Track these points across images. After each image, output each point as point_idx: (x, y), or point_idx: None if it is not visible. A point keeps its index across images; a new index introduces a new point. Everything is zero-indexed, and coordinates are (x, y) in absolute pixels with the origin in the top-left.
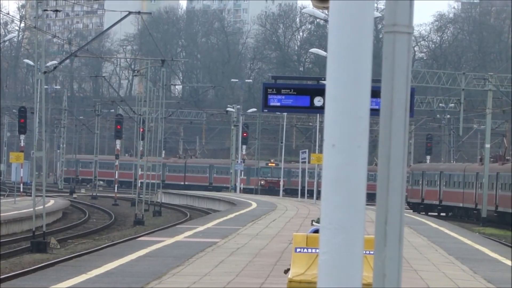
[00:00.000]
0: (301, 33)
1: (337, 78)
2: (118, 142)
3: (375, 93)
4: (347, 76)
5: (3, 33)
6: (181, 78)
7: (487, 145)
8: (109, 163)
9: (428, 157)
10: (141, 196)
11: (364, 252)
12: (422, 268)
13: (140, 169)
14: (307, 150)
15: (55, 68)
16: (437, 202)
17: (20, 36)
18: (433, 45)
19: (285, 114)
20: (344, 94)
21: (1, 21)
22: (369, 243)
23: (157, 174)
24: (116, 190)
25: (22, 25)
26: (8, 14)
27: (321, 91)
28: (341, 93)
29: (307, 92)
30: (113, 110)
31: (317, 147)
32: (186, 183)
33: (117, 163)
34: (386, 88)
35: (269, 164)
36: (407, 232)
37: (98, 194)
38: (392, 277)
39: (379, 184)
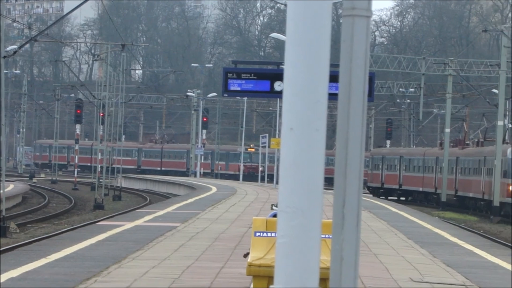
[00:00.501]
0: (261, 18)
1: (295, 62)
2: (78, 126)
3: (335, 77)
4: (305, 60)
5: None
6: (141, 63)
7: (447, 130)
8: (86, 149)
9: (388, 142)
10: (101, 180)
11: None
12: (382, 252)
13: (100, 154)
14: (267, 135)
15: (14, 52)
16: (397, 187)
17: None
18: (393, 30)
19: (245, 98)
20: (302, 78)
21: None
22: (327, 226)
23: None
24: (76, 175)
25: None
26: None
27: (281, 76)
28: (299, 77)
29: (267, 76)
30: (73, 95)
31: (277, 131)
32: (163, 168)
33: (77, 148)
34: (344, 72)
35: (249, 149)
36: (366, 216)
37: (58, 179)
38: (350, 260)
39: (337, 167)
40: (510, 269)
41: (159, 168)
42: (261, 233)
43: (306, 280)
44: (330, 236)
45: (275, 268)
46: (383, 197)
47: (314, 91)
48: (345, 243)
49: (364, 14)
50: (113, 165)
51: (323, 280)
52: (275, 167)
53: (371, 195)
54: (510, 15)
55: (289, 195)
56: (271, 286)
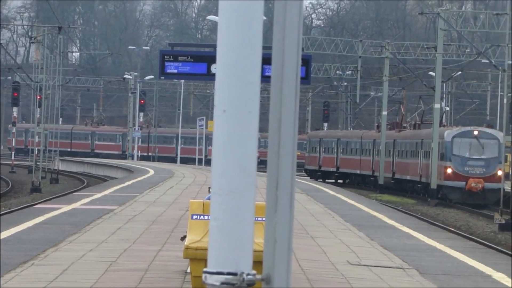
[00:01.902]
0: (198, 1)
1: (227, 44)
2: (15, 109)
3: (268, 60)
4: (238, 41)
5: None
6: (78, 45)
7: (384, 113)
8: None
9: (325, 124)
10: (38, 163)
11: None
12: (319, 235)
13: (37, 136)
14: (204, 117)
15: None
16: (334, 169)
17: None
18: (330, 13)
19: (182, 81)
20: (235, 60)
21: None
22: (261, 209)
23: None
24: (13, 158)
25: None
26: None
27: None
28: (232, 59)
29: (204, 59)
30: (10, 78)
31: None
32: (96, 151)
33: (14, 130)
34: (276, 54)
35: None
36: (304, 199)
37: None
38: (283, 243)
39: (270, 149)
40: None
41: (89, 151)
42: (198, 216)
43: (239, 264)
44: (264, 219)
45: (208, 251)
46: (321, 180)
47: (247, 73)
48: (279, 226)
49: None
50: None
51: (258, 263)
52: (212, 150)
53: (309, 177)
54: None
55: (222, 177)
56: (204, 269)
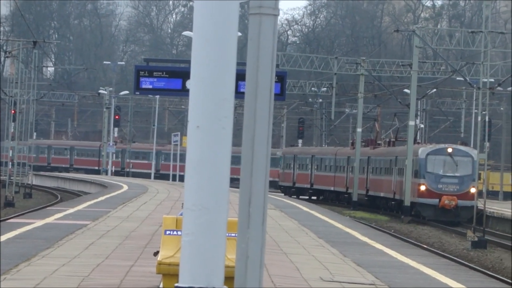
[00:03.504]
0: (174, 16)
1: (202, 60)
2: None
3: (243, 76)
4: (212, 57)
5: None
6: (53, 60)
7: (359, 129)
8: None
9: (300, 141)
10: (11, 177)
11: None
12: (292, 251)
13: (11, 151)
14: (179, 133)
15: None
16: (309, 186)
17: None
18: (306, 29)
19: (157, 96)
20: (209, 76)
21: None
22: (233, 225)
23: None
24: None
25: None
26: None
27: None
28: (206, 75)
29: (179, 75)
30: None
31: None
32: (75, 166)
33: None
34: (251, 70)
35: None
36: (278, 215)
37: None
38: (255, 258)
39: (243, 166)
40: None
41: (68, 166)
42: (171, 232)
43: (211, 279)
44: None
45: (180, 266)
46: (295, 196)
47: (221, 89)
48: (251, 242)
49: (271, 12)
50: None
51: (230, 279)
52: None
53: (283, 194)
54: (422, 15)
55: (195, 193)
56: (176, 284)
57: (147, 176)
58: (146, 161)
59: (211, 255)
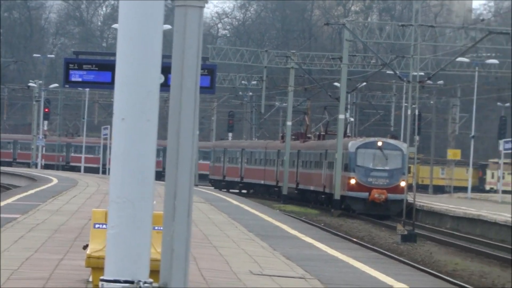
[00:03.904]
0: (104, 9)
1: (127, 53)
2: None
3: (168, 68)
4: (137, 50)
5: None
6: None
7: (289, 123)
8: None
9: (230, 134)
10: None
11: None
12: (222, 245)
13: None
14: (109, 126)
15: None
16: (239, 179)
17: None
18: (236, 22)
19: (87, 89)
20: (134, 69)
21: None
22: (159, 218)
23: None
24: None
25: None
26: None
27: None
28: (131, 68)
29: (108, 68)
30: None
31: None
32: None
33: None
34: (176, 62)
35: None
36: (207, 209)
37: None
38: (180, 251)
39: (169, 159)
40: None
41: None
42: (100, 225)
43: (136, 272)
44: (161, 228)
45: (106, 259)
46: (225, 190)
47: (146, 82)
48: (176, 235)
49: (197, 4)
50: None
51: (155, 272)
52: None
53: (213, 187)
54: (352, 8)
55: (120, 186)
56: (101, 277)
57: (95, 170)
58: (92, 155)
59: (136, 248)
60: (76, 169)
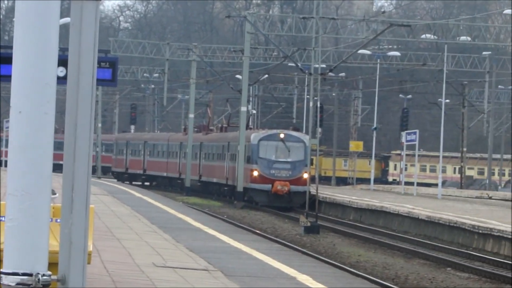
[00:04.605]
0: (6, 2)
1: (23, 44)
2: None
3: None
4: (34, 42)
5: None
6: None
7: (191, 115)
8: None
9: (133, 127)
10: None
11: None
12: (125, 237)
13: None
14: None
15: None
16: (141, 172)
17: None
18: (138, 15)
19: None
20: (30, 61)
21: None
22: (58, 210)
23: None
24: None
25: None
26: None
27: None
28: (27, 60)
29: (11, 61)
30: None
31: None
32: None
33: None
34: (73, 56)
35: None
36: (110, 201)
37: None
38: (79, 244)
39: (66, 151)
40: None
41: None
42: (1, 218)
43: (35, 265)
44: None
45: (4, 252)
46: (128, 182)
47: (43, 74)
48: (74, 227)
49: None
50: None
51: (55, 265)
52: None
53: (116, 180)
54: (254, 1)
55: (18, 178)
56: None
57: None
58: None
59: (35, 240)
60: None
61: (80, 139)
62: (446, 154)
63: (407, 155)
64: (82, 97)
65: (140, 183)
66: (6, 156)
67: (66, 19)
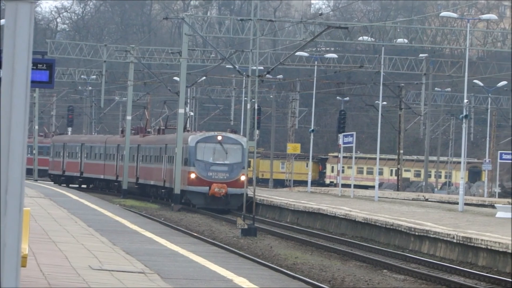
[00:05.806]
0: None
1: None
2: None
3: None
4: None
5: None
6: None
7: (128, 117)
8: None
9: (70, 129)
10: None
11: None
12: (61, 240)
13: None
14: None
15: None
16: (78, 174)
17: None
18: (75, 17)
19: None
20: None
21: None
22: None
23: None
24: None
25: None
26: None
27: None
28: None
29: None
30: None
31: None
32: None
33: None
34: (7, 58)
35: None
36: (47, 204)
37: None
38: (12, 246)
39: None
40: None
41: None
42: None
43: None
44: None
45: None
46: (65, 185)
47: None
48: (7, 229)
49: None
50: None
51: None
52: None
53: (53, 182)
54: (192, 3)
55: None
56: None
57: None
58: None
59: None
60: None
61: (14, 141)
62: (383, 156)
63: (344, 157)
64: (16, 99)
65: (77, 185)
66: None
67: (2, 21)
